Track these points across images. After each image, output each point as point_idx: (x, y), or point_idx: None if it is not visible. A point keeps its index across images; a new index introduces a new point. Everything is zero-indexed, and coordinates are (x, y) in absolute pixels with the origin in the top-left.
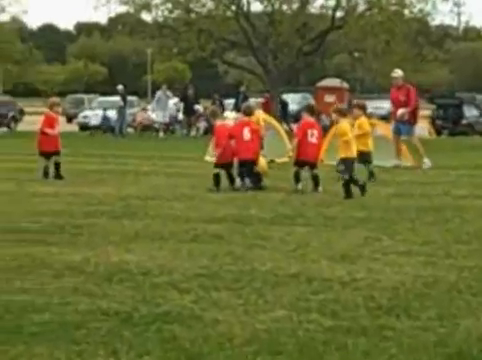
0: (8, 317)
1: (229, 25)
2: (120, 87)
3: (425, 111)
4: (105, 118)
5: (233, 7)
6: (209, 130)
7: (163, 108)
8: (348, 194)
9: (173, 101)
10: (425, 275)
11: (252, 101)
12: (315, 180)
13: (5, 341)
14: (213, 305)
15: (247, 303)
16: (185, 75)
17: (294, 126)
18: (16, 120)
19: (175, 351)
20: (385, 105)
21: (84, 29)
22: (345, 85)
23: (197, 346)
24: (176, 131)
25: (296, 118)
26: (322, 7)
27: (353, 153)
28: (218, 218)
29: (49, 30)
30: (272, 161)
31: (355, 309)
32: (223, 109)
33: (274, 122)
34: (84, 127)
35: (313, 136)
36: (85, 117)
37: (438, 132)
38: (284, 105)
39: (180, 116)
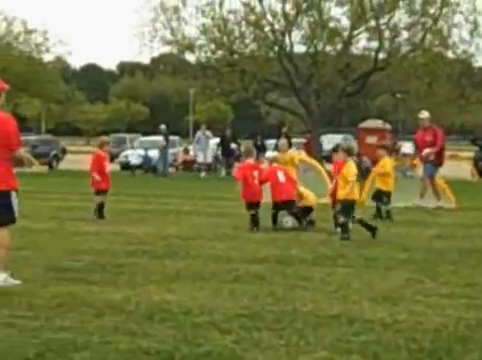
0: (49, 355)
1: (272, 66)
2: (163, 127)
3: (468, 152)
4: (146, 158)
5: (276, 48)
6: None
7: (203, 148)
8: (345, 234)
9: (214, 141)
10: (468, 318)
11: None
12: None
13: None
14: (254, 346)
15: (288, 344)
16: (227, 115)
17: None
18: (58, 159)
19: None
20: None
21: (127, 69)
22: (387, 126)
23: None
24: (218, 171)
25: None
26: (365, 48)
27: (355, 195)
28: (260, 258)
29: (92, 70)
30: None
31: (397, 351)
32: (264, 149)
33: (315, 162)
34: (125, 166)
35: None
36: (126, 156)
37: (481, 174)
38: (288, 139)
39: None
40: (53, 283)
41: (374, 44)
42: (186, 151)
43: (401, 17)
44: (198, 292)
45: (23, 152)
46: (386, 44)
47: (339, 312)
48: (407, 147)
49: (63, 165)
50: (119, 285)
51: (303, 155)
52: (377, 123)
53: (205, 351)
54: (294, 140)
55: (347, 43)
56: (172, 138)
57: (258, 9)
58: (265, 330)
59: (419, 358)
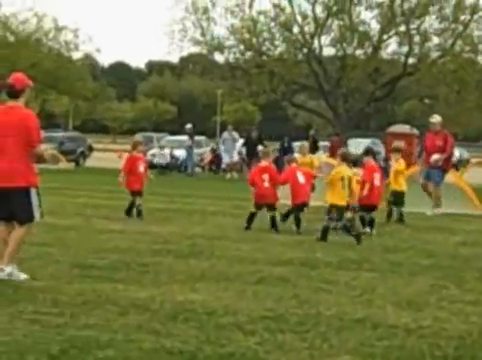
0: (73, 352)
1: (300, 68)
2: (188, 126)
3: None
4: (172, 157)
5: (305, 50)
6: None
7: (229, 149)
8: (323, 237)
9: (241, 142)
10: None
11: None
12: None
13: None
14: (277, 348)
15: (312, 347)
16: (254, 117)
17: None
18: (85, 156)
19: None
20: (456, 153)
21: (155, 68)
22: (415, 131)
23: None
24: (244, 172)
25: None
26: (394, 53)
27: (342, 201)
28: (284, 261)
29: (120, 68)
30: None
31: (420, 357)
32: (292, 151)
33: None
34: (152, 166)
35: (377, 179)
36: (153, 155)
37: None
38: (315, 142)
39: None
40: (78, 280)
41: (404, 49)
42: (213, 151)
43: (432, 22)
44: (222, 293)
45: (45, 149)
46: (416, 49)
47: (363, 316)
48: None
49: (90, 162)
50: (144, 284)
51: (325, 157)
52: (404, 128)
53: (228, 352)
54: (321, 143)
55: (376, 47)
56: (199, 138)
57: (288, 10)
58: (289, 332)
59: None
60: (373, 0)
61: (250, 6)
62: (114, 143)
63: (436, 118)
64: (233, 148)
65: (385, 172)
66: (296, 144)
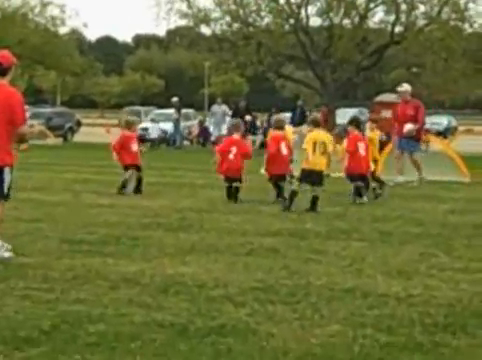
0: (64, 327)
1: (288, 39)
2: (175, 99)
3: None
4: (161, 131)
5: (291, 21)
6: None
7: (218, 122)
8: (288, 205)
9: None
10: None
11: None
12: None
13: (61, 351)
14: (268, 319)
15: (302, 317)
16: (242, 89)
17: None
18: (73, 131)
19: None
20: (443, 121)
21: (142, 41)
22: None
23: (252, 359)
24: None
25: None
26: (381, 22)
27: (308, 165)
28: (274, 232)
29: (107, 42)
30: (327, 175)
31: (411, 325)
32: None
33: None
34: (142, 140)
35: (362, 149)
36: (144, 129)
37: None
38: (303, 113)
39: None
40: (68, 255)
41: (390, 17)
42: (201, 124)
43: None
44: (212, 265)
45: (32, 125)
46: (402, 17)
47: (353, 286)
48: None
49: (78, 137)
50: (134, 258)
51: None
52: (392, 97)
53: (219, 324)
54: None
55: (363, 16)
56: (187, 111)
57: None
58: (279, 303)
59: (433, 332)
60: None
61: None
62: (102, 118)
63: (404, 87)
64: (223, 122)
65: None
66: (284, 115)
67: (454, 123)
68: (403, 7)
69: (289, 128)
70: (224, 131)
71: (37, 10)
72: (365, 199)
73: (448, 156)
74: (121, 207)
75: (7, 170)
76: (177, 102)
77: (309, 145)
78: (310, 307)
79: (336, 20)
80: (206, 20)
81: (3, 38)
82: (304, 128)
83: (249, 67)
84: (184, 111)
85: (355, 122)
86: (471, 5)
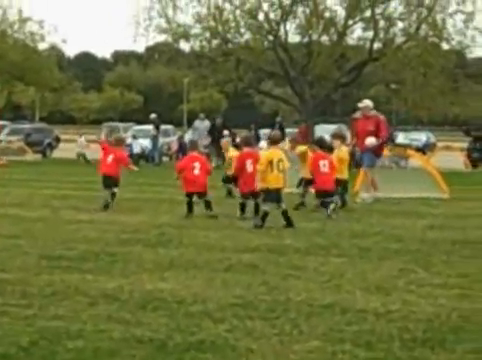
0: (42, 343)
1: (267, 55)
2: (153, 116)
3: (461, 143)
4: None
5: (271, 37)
6: None
7: (200, 137)
8: (260, 224)
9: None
10: (461, 308)
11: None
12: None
13: None
14: (247, 335)
15: (281, 333)
16: (221, 105)
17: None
18: (52, 147)
19: None
20: (421, 137)
21: (121, 58)
22: (381, 117)
23: None
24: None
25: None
26: (360, 38)
27: (269, 184)
28: (253, 248)
29: (86, 58)
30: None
31: (390, 340)
32: (258, 139)
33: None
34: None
35: (325, 166)
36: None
37: (474, 165)
38: (282, 129)
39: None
40: (47, 271)
41: (369, 34)
42: (180, 139)
43: (396, 7)
44: (191, 281)
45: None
46: (381, 34)
47: (332, 302)
48: (401, 138)
49: (57, 154)
50: (113, 274)
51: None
52: (371, 113)
53: (198, 340)
54: (288, 130)
55: (342, 33)
56: (166, 127)
57: None
58: (258, 319)
59: (412, 348)
60: None
61: None
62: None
63: (365, 103)
64: (203, 136)
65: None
66: (263, 132)
67: (433, 139)
68: (381, 24)
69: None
70: (201, 147)
71: (16, 26)
72: (333, 215)
73: (427, 172)
74: (100, 223)
75: None
76: (156, 118)
77: (264, 165)
78: (289, 323)
79: (315, 36)
80: (185, 36)
81: None
82: (282, 144)
83: (228, 83)
84: (163, 127)
85: (318, 142)
86: (450, 21)
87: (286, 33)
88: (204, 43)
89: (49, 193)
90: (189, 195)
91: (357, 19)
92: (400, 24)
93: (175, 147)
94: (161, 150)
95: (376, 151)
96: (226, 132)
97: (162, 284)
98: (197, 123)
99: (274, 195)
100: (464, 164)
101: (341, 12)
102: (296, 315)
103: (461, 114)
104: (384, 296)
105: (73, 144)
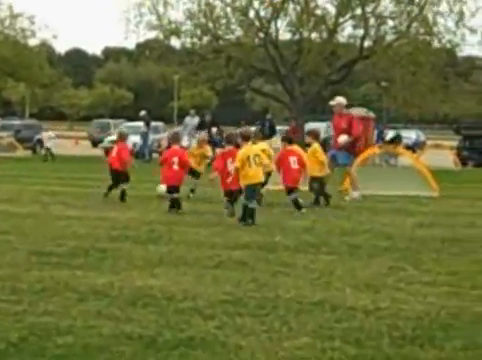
0: (32, 339)
1: (257, 53)
2: (143, 113)
3: (451, 142)
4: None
5: (261, 35)
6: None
7: (191, 133)
8: (245, 219)
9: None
10: (450, 305)
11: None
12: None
13: None
14: (237, 331)
15: (271, 330)
16: (211, 102)
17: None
18: (42, 144)
19: None
20: (411, 135)
21: (112, 54)
22: (371, 114)
23: None
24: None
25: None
26: (350, 36)
27: (250, 180)
28: (242, 245)
29: (77, 54)
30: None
31: (379, 338)
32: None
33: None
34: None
35: (295, 163)
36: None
37: (464, 163)
38: (272, 126)
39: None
40: (36, 267)
41: (359, 32)
42: None
43: (387, 5)
44: (181, 277)
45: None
46: (371, 32)
47: (322, 299)
48: (390, 135)
49: None
50: (102, 270)
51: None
52: (361, 111)
53: (188, 336)
54: (278, 127)
55: (332, 31)
56: (156, 124)
57: None
58: (248, 316)
59: (401, 345)
60: None
61: None
62: (71, 130)
63: (337, 100)
64: (194, 133)
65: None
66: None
67: (423, 138)
68: (372, 22)
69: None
70: (194, 143)
71: (7, 22)
72: (304, 210)
73: (417, 170)
74: (90, 219)
75: None
76: (146, 115)
77: (242, 161)
78: (279, 320)
79: (305, 34)
80: (176, 33)
81: None
82: (273, 141)
83: (218, 80)
84: (153, 124)
85: (286, 138)
86: (440, 20)
87: (277, 30)
88: (195, 40)
89: (38, 189)
90: (170, 190)
91: (348, 17)
92: (391, 22)
93: (165, 144)
94: (151, 147)
95: (349, 149)
96: (214, 129)
97: (152, 280)
98: (187, 119)
99: (255, 190)
100: (454, 162)
101: (332, 10)
102: (285, 312)
103: (451, 112)
104: (373, 293)
105: (65, 140)
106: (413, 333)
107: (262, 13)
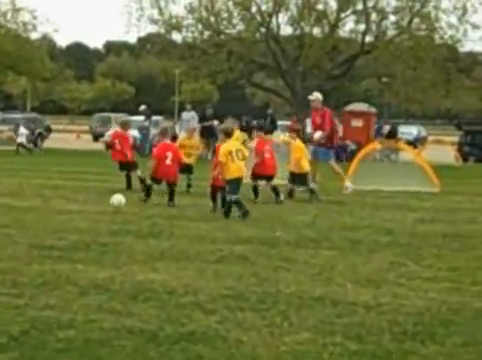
0: (33, 333)
1: (259, 47)
2: (143, 107)
3: (452, 137)
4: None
5: (263, 29)
6: None
7: (184, 128)
8: (244, 211)
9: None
10: (450, 301)
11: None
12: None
13: (30, 357)
14: (238, 326)
15: (272, 325)
16: (212, 96)
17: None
18: (43, 137)
19: None
20: (413, 131)
21: (113, 48)
22: (372, 110)
23: None
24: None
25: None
26: (352, 31)
27: (232, 174)
28: (244, 239)
29: (78, 48)
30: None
31: (380, 333)
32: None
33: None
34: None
35: (268, 152)
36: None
37: (465, 158)
38: (273, 121)
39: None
40: (37, 261)
41: (361, 27)
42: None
43: (388, 0)
44: (182, 272)
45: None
46: (373, 27)
47: (322, 294)
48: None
49: (48, 144)
50: (104, 264)
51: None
52: (362, 107)
53: (189, 331)
54: (279, 122)
55: (334, 26)
56: (157, 118)
57: None
58: (249, 311)
59: (402, 340)
60: None
61: None
62: (72, 124)
63: (314, 95)
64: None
65: (343, 151)
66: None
67: (424, 133)
68: (373, 17)
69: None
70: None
71: (9, 16)
72: (282, 197)
73: (418, 166)
74: (91, 213)
75: None
76: (146, 109)
77: (225, 157)
78: (279, 315)
79: (307, 29)
80: (177, 27)
81: None
82: (275, 135)
83: (219, 75)
84: (154, 118)
85: (260, 128)
86: (443, 15)
87: (278, 25)
88: (196, 34)
89: (40, 183)
90: (155, 181)
91: (349, 12)
92: (392, 17)
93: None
94: (152, 141)
95: (326, 143)
96: (216, 122)
97: (153, 275)
98: (184, 114)
99: (238, 184)
100: (455, 158)
101: (333, 4)
102: (286, 307)
103: (453, 108)
104: (374, 289)
105: (66, 134)
106: (414, 328)
107: (263, 7)
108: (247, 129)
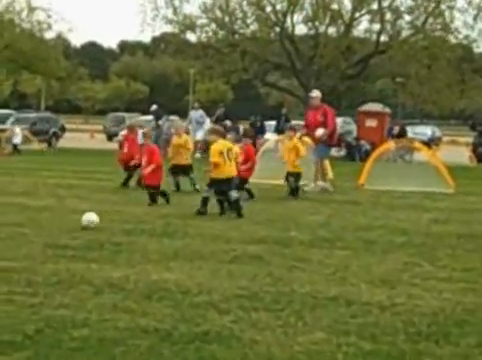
0: (48, 332)
1: (273, 47)
2: (154, 107)
3: (467, 138)
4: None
5: (277, 29)
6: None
7: (194, 128)
8: (203, 210)
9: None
10: (465, 302)
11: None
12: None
13: (45, 355)
14: (252, 326)
15: (286, 325)
16: (227, 96)
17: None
18: (57, 136)
19: None
20: (427, 131)
21: (127, 48)
22: (387, 110)
23: None
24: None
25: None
26: (366, 31)
27: (220, 174)
28: (258, 239)
29: (92, 48)
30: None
31: (394, 334)
32: (263, 131)
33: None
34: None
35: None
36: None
37: (479, 159)
38: (287, 121)
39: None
40: (52, 260)
41: (376, 26)
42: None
43: (403, 0)
44: (196, 271)
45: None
46: (388, 27)
47: (337, 294)
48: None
49: (62, 143)
50: (118, 263)
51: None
52: (377, 107)
53: (203, 330)
54: (294, 122)
55: (349, 25)
56: (173, 118)
57: None
58: (263, 311)
59: (416, 341)
60: None
61: None
62: (87, 123)
63: (315, 93)
64: (199, 127)
65: (358, 151)
66: (269, 124)
67: (438, 133)
68: (388, 16)
69: (273, 135)
70: (199, 136)
71: (24, 15)
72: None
73: (433, 166)
74: (104, 213)
75: None
76: (157, 110)
77: (217, 157)
78: (294, 314)
79: (321, 28)
80: (192, 27)
81: None
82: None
83: (234, 74)
84: (171, 117)
85: (246, 134)
86: (457, 15)
87: (293, 25)
88: (210, 34)
89: (54, 182)
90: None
91: (364, 11)
92: (407, 17)
93: None
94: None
95: (327, 141)
96: (228, 122)
97: (167, 274)
98: (192, 113)
99: (224, 185)
100: (469, 158)
101: (348, 4)
102: (301, 307)
103: (467, 108)
104: (389, 289)
105: (80, 134)
106: (428, 329)
107: (278, 7)
108: (260, 129)
